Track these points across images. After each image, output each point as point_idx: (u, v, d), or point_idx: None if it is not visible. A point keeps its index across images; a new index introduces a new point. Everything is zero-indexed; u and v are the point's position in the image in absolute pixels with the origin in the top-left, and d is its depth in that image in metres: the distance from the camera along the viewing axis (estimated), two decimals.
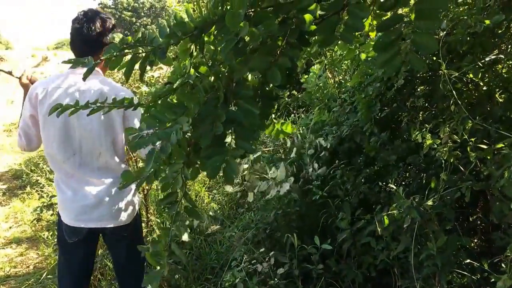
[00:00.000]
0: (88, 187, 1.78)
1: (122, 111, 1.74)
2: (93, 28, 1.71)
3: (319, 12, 0.81)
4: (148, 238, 3.09)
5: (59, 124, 1.71)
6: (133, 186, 1.88)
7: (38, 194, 4.49)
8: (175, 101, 1.02)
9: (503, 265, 1.44)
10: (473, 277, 1.80)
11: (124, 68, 0.97)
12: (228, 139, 0.95)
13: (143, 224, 3.21)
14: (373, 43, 1.99)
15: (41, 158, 5.41)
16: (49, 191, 4.27)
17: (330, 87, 2.81)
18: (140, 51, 0.96)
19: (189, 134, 0.95)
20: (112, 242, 1.97)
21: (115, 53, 0.92)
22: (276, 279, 2.16)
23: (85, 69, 1.70)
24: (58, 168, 1.81)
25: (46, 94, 1.73)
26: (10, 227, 4.11)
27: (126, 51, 0.94)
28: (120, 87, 1.81)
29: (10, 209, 4.48)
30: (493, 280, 1.42)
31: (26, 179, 5.07)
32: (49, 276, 3.00)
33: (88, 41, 1.72)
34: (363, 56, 2.06)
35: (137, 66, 0.98)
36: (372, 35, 1.90)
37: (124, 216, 1.84)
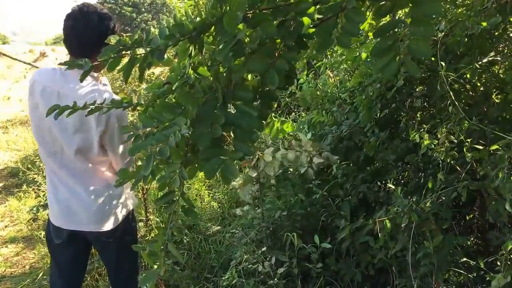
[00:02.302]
0: (69, 189, 1.71)
1: (102, 130, 1.61)
2: (90, 26, 1.58)
3: (316, 15, 0.81)
4: (147, 238, 3.09)
5: (44, 120, 1.61)
6: (127, 190, 1.85)
7: (35, 192, 4.45)
8: (173, 100, 1.03)
9: (498, 263, 1.45)
10: (469, 275, 1.82)
11: (123, 70, 0.97)
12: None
13: (141, 224, 3.23)
14: (372, 43, 2.01)
15: (38, 156, 5.37)
16: (46, 189, 4.23)
17: (330, 86, 2.82)
18: (139, 53, 0.95)
19: (187, 134, 0.95)
20: (98, 247, 1.92)
21: (112, 55, 0.92)
22: (275, 279, 2.17)
23: (74, 70, 1.64)
24: (45, 161, 1.75)
25: (35, 88, 1.63)
26: (6, 226, 4.07)
27: (124, 52, 0.93)
28: (104, 97, 1.60)
29: (6, 208, 4.43)
30: (488, 278, 1.44)
31: (22, 177, 5.02)
32: (45, 277, 2.96)
33: (85, 41, 1.59)
34: (363, 55, 2.06)
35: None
36: (371, 35, 1.91)
37: (107, 222, 1.75)
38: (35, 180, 4.38)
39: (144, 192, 3.05)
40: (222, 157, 0.88)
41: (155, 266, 0.93)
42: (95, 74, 1.72)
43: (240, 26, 0.81)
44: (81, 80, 0.93)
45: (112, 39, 0.90)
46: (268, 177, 2.32)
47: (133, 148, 0.86)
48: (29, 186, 4.62)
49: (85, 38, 1.59)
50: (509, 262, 1.38)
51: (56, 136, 1.65)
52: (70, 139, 1.62)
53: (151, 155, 0.83)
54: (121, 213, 1.81)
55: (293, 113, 4.36)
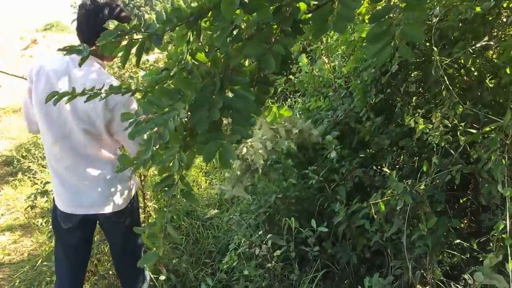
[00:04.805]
0: (79, 175, 1.75)
1: (108, 119, 1.67)
2: (100, 16, 1.68)
3: (312, 1, 0.82)
4: (145, 224, 3.12)
5: (52, 106, 1.62)
6: (128, 171, 1.89)
7: (31, 180, 4.43)
8: (172, 86, 1.04)
9: (491, 244, 1.49)
10: (462, 256, 1.86)
11: (121, 54, 0.98)
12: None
13: (140, 210, 3.25)
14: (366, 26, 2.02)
15: (33, 144, 5.34)
16: (42, 177, 4.22)
17: (325, 72, 2.83)
18: (136, 38, 0.96)
19: (185, 119, 0.97)
20: (107, 228, 1.96)
21: (110, 40, 0.92)
22: (273, 262, 2.20)
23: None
24: (48, 152, 1.77)
25: (42, 74, 1.68)
26: (2, 215, 4.07)
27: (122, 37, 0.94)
28: (113, 83, 1.69)
29: (1, 197, 4.42)
30: (481, 259, 1.47)
31: (17, 165, 4.99)
32: (44, 263, 2.98)
33: (95, 29, 1.64)
34: (362, 34, 2.06)
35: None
36: (367, 19, 1.91)
37: (118, 202, 1.81)
38: (31, 168, 4.36)
39: (142, 179, 3.07)
40: (220, 140, 0.89)
41: (154, 248, 0.95)
42: (105, 62, 1.82)
43: (237, 11, 0.82)
44: (80, 65, 0.94)
45: (111, 24, 0.90)
46: (259, 165, 2.33)
47: (133, 132, 0.87)
48: (24, 174, 4.60)
49: (95, 25, 1.67)
50: (501, 243, 1.41)
51: (67, 118, 1.69)
52: (81, 121, 1.67)
53: (150, 139, 0.84)
54: (128, 192, 1.87)
55: (289, 99, 4.36)
